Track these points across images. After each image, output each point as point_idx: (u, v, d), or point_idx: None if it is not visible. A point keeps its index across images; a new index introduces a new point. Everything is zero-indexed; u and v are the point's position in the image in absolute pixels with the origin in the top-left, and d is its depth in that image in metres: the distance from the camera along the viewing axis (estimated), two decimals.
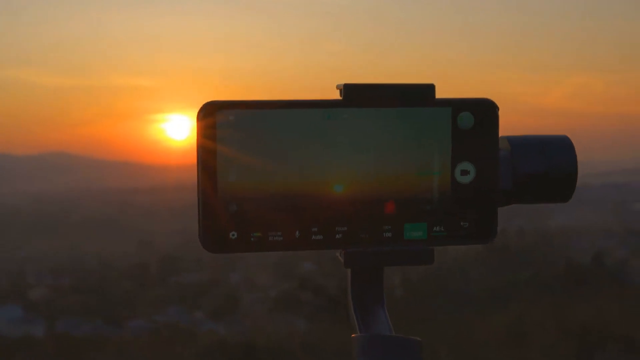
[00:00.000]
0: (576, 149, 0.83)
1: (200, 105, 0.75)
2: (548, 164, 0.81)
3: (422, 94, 0.77)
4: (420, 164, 0.77)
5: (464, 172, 0.78)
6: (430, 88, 0.77)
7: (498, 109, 0.79)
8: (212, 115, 0.74)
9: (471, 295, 19.41)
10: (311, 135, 0.75)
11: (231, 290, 29.00)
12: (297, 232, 0.77)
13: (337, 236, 0.77)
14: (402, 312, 16.41)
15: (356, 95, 0.76)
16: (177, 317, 24.55)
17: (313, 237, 0.77)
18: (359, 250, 0.78)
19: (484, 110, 0.78)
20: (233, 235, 0.76)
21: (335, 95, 0.77)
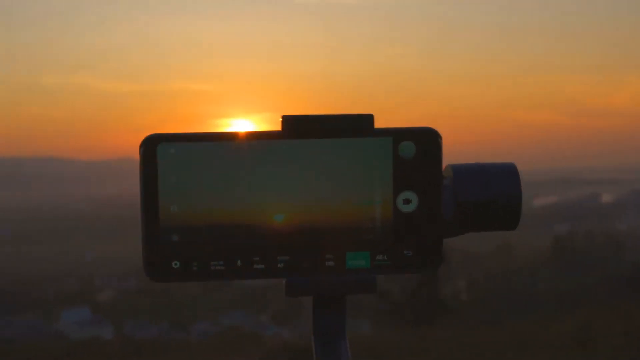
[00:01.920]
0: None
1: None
2: (491, 192, 0.81)
3: (360, 124, 0.78)
4: (362, 193, 0.78)
5: (406, 201, 0.78)
6: (369, 118, 0.78)
7: (440, 138, 0.79)
8: (154, 147, 0.76)
9: (538, 299, 19.17)
10: (251, 166, 0.77)
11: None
12: (239, 262, 0.78)
13: (279, 265, 0.78)
14: (468, 317, 16.28)
15: (295, 127, 0.77)
16: (241, 321, 24.73)
17: (255, 266, 0.78)
18: (300, 279, 0.78)
19: (425, 140, 0.78)
20: (175, 264, 0.77)
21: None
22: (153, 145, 0.76)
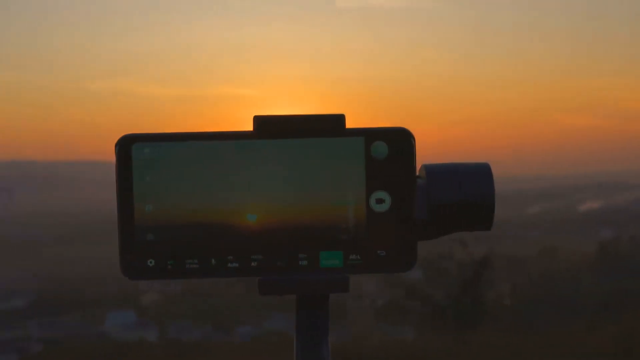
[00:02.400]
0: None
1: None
2: (463, 192, 0.81)
3: (331, 124, 0.78)
4: (335, 193, 0.78)
5: (379, 201, 0.79)
6: (340, 118, 0.78)
7: (413, 138, 0.79)
8: (128, 147, 0.78)
9: (582, 304, 18.97)
10: (224, 166, 0.78)
11: (337, 298, 29.08)
12: (213, 260, 0.79)
13: (253, 264, 0.79)
14: (511, 322, 16.15)
15: (266, 127, 0.78)
16: (284, 325, 24.74)
17: (229, 264, 0.79)
18: (273, 277, 0.79)
19: (398, 140, 0.79)
20: (150, 262, 0.79)
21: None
22: (128, 145, 0.78)
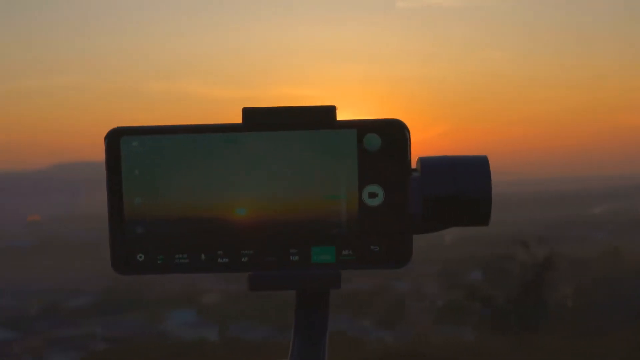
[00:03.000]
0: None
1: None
2: (458, 186, 0.78)
3: (322, 116, 0.76)
4: (327, 186, 0.76)
5: (372, 195, 0.77)
6: (331, 110, 0.77)
7: (407, 130, 0.77)
8: (117, 140, 0.77)
9: None
10: (213, 159, 0.76)
11: (397, 299, 28.94)
12: (202, 255, 0.78)
13: (243, 259, 0.78)
14: (573, 324, 15.92)
15: (255, 119, 0.77)
16: (344, 325, 24.74)
17: (219, 260, 0.78)
18: (264, 273, 0.77)
19: (391, 132, 0.77)
20: (140, 257, 0.78)
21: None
22: (116, 138, 0.77)
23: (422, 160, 0.79)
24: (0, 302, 34.05)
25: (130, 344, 20.05)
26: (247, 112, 0.77)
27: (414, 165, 0.79)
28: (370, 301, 28.53)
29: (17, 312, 30.75)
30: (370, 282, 32.61)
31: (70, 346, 23.00)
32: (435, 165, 0.79)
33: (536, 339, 13.35)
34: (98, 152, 0.78)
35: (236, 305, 28.79)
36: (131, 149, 0.77)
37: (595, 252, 32.68)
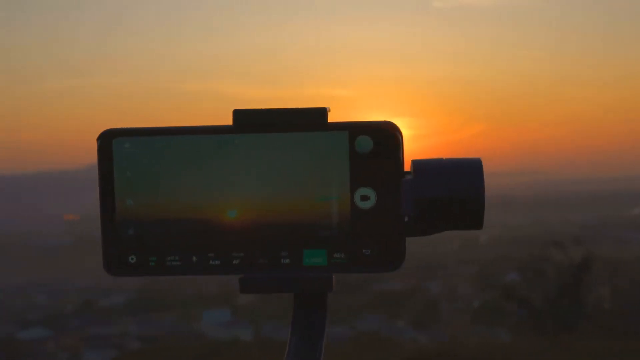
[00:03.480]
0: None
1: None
2: (451, 188, 0.77)
3: (313, 118, 0.76)
4: (318, 189, 0.76)
5: (364, 198, 0.76)
6: (322, 112, 0.76)
7: (399, 132, 0.76)
8: (109, 142, 0.77)
9: None
10: (205, 161, 0.76)
11: (432, 299, 28.90)
12: (194, 257, 0.77)
13: (235, 262, 0.77)
14: (610, 326, 15.75)
15: (246, 121, 0.76)
16: (377, 325, 24.72)
17: (210, 262, 0.77)
18: (255, 276, 0.77)
19: (383, 134, 0.76)
20: (132, 259, 0.78)
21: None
22: (109, 139, 0.77)
23: (415, 163, 0.79)
24: (37, 300, 34.49)
25: (164, 343, 20.16)
26: (238, 114, 0.76)
27: (407, 168, 0.79)
28: (405, 302, 28.51)
29: (53, 310, 31.15)
30: (405, 282, 32.57)
31: (105, 344, 23.19)
32: (428, 168, 0.78)
33: (573, 340, 13.23)
34: None
35: (270, 305, 28.87)
36: (123, 150, 0.77)
37: (633, 254, 32.34)
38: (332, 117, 0.77)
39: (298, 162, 0.76)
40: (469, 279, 32.66)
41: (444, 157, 0.79)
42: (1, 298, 34.11)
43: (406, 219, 0.77)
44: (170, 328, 25.66)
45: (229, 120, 0.77)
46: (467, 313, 25.34)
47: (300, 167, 0.76)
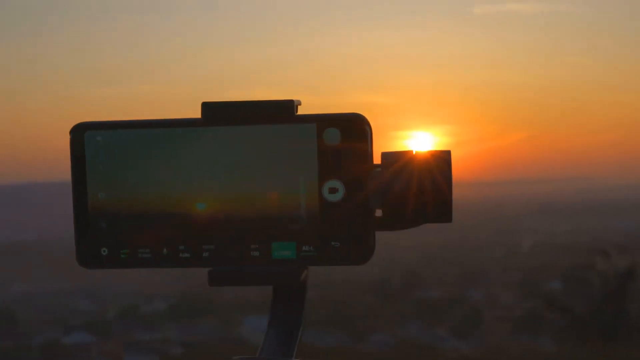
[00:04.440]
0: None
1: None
2: (419, 181, 0.76)
3: (281, 110, 0.75)
4: (287, 181, 0.75)
5: (333, 190, 0.75)
6: (289, 104, 0.75)
7: (368, 124, 0.75)
8: (81, 135, 0.77)
9: None
10: (174, 154, 0.76)
11: (473, 308, 28.71)
12: (164, 250, 0.77)
13: (205, 254, 0.77)
14: None
15: (214, 113, 0.76)
16: (418, 333, 24.62)
17: (181, 255, 0.77)
18: (224, 269, 0.76)
19: (351, 126, 0.75)
20: (104, 251, 0.78)
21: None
22: (81, 133, 0.77)
23: (384, 155, 0.78)
24: (79, 305, 34.84)
25: (206, 348, 20.23)
26: (206, 107, 0.76)
27: (377, 160, 0.77)
28: (445, 309, 28.34)
29: (96, 315, 31.43)
30: (446, 290, 32.38)
31: (147, 350, 23.34)
32: (396, 160, 0.77)
33: (617, 349, 13.06)
34: None
35: (310, 312, 28.88)
36: (95, 143, 0.77)
37: None
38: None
39: (266, 154, 0.75)
40: (512, 287, 32.38)
41: (414, 150, 0.78)
42: (45, 303, 34.53)
43: (374, 211, 0.76)
44: (212, 334, 25.76)
45: None
46: (509, 321, 25.11)
47: (268, 160, 0.75)
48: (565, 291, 18.93)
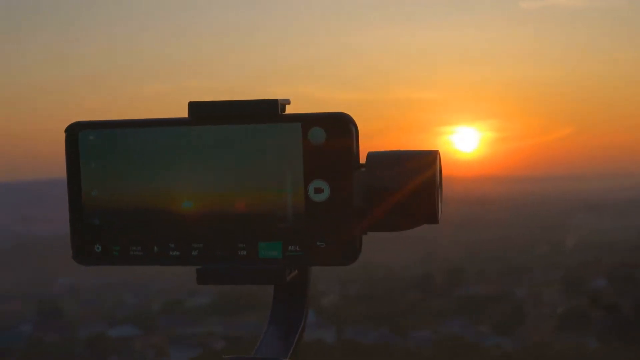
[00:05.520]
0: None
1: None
2: (403, 181, 0.75)
3: (265, 110, 0.75)
4: (273, 181, 0.75)
5: (318, 190, 0.75)
6: (274, 103, 0.75)
7: (353, 124, 0.74)
8: (76, 134, 0.79)
9: None
10: (163, 153, 0.77)
11: (516, 305, 28.50)
12: (155, 248, 0.78)
13: (194, 253, 0.78)
14: None
15: (200, 113, 0.76)
16: (461, 330, 24.49)
17: (171, 253, 0.78)
18: (211, 267, 0.77)
19: (336, 126, 0.74)
20: (97, 248, 0.79)
21: None
22: (75, 132, 0.79)
23: (370, 155, 0.77)
24: (125, 299, 35.19)
25: (248, 342, 20.34)
26: (193, 106, 0.77)
27: (364, 160, 0.77)
28: (489, 307, 28.16)
29: (141, 309, 31.72)
30: (489, 287, 32.17)
31: (191, 343, 23.54)
32: (381, 160, 0.76)
33: None
34: None
35: (353, 308, 28.86)
36: (88, 142, 0.79)
37: None
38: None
39: (252, 154, 0.76)
40: (555, 284, 32.10)
41: (401, 149, 0.78)
42: (93, 297, 34.95)
43: (360, 211, 0.75)
44: (253, 328, 25.88)
45: None
46: (552, 319, 24.91)
47: (254, 159, 0.76)
48: (610, 289, 18.71)
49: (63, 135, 0.79)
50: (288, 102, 0.77)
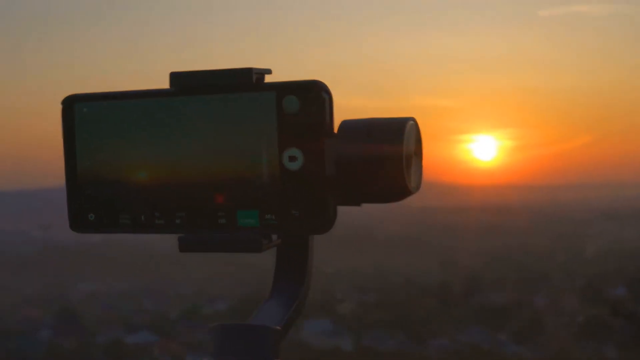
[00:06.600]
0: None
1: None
2: (372, 149, 0.74)
3: (240, 79, 0.75)
4: (249, 150, 0.76)
5: (292, 159, 0.75)
6: (248, 72, 0.75)
7: (327, 92, 0.74)
8: (71, 106, 0.81)
9: None
10: (148, 124, 0.78)
11: (535, 313, 28.35)
12: (142, 217, 0.80)
13: (177, 221, 0.79)
14: None
15: (181, 83, 0.77)
16: (479, 338, 24.39)
17: (156, 221, 0.80)
18: (192, 235, 0.78)
19: (310, 94, 0.74)
20: (91, 216, 0.81)
21: None
22: (70, 104, 0.81)
23: (342, 124, 0.76)
24: (143, 305, 35.28)
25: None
26: (174, 77, 0.78)
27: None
28: (508, 315, 28.04)
29: (159, 315, 31.80)
30: (508, 295, 32.03)
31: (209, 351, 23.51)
32: (351, 128, 0.76)
33: None
34: None
35: (370, 315, 28.80)
36: (83, 114, 0.81)
37: None
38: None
39: (230, 123, 0.76)
40: (575, 292, 31.92)
41: (376, 117, 0.77)
42: (110, 303, 35.07)
43: (332, 180, 0.75)
44: None
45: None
46: (571, 327, 24.76)
47: (231, 129, 0.76)
48: (631, 298, 18.58)
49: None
50: (268, 71, 0.77)
